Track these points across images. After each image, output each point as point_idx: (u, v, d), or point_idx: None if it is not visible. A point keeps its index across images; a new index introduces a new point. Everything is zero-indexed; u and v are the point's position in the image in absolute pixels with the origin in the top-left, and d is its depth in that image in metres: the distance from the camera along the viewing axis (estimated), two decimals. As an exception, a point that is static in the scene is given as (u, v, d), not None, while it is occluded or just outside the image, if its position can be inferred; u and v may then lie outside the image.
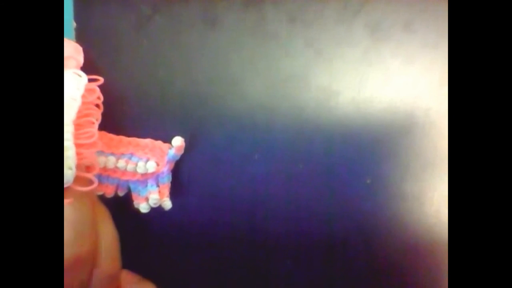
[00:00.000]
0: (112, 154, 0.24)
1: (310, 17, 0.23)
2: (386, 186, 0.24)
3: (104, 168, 0.24)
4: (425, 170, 0.24)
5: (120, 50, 0.24)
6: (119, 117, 0.25)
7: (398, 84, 0.23)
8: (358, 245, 0.25)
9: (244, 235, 0.25)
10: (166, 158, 0.24)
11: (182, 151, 0.24)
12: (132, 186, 0.25)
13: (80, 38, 0.24)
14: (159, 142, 0.24)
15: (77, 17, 0.24)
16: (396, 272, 0.25)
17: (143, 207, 0.25)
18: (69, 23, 0.24)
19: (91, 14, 0.24)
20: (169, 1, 0.24)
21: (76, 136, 0.20)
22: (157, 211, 0.25)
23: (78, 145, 0.20)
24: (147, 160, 0.24)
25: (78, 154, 0.19)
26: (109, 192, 0.25)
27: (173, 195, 0.25)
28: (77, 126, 0.20)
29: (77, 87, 0.21)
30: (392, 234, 0.24)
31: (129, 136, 0.25)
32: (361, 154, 0.24)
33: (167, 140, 0.24)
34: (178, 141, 0.24)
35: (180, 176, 0.25)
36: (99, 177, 0.24)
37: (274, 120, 0.24)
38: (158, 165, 0.24)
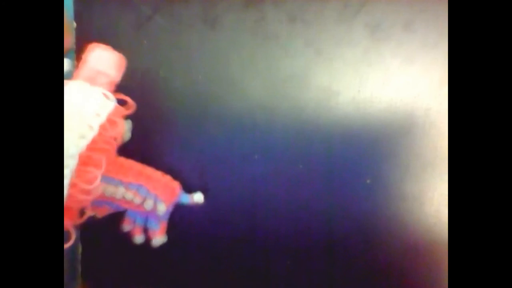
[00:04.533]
0: (120, 182, 0.23)
1: (310, 17, 0.23)
2: (386, 186, 0.24)
3: (111, 197, 0.23)
4: (425, 170, 0.24)
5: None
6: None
7: (398, 84, 0.23)
8: (358, 245, 0.25)
9: (244, 235, 0.25)
10: (175, 200, 0.24)
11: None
12: (129, 213, 0.25)
13: (80, 38, 0.24)
14: (171, 180, 0.24)
15: (77, 17, 0.24)
16: (396, 272, 0.25)
17: (138, 239, 0.25)
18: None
19: (91, 14, 0.24)
20: (169, 1, 0.24)
21: (78, 174, 0.16)
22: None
23: (73, 185, 0.16)
24: (156, 197, 0.23)
25: (70, 196, 0.16)
26: (102, 214, 0.24)
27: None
28: (86, 158, 0.17)
29: (97, 113, 0.17)
30: (392, 234, 0.24)
31: (129, 135, 0.24)
32: (361, 154, 0.24)
33: (167, 141, 0.24)
34: (200, 199, 0.24)
35: (180, 176, 0.25)
36: (100, 201, 0.23)
37: (274, 120, 0.24)
38: (166, 206, 0.24)
